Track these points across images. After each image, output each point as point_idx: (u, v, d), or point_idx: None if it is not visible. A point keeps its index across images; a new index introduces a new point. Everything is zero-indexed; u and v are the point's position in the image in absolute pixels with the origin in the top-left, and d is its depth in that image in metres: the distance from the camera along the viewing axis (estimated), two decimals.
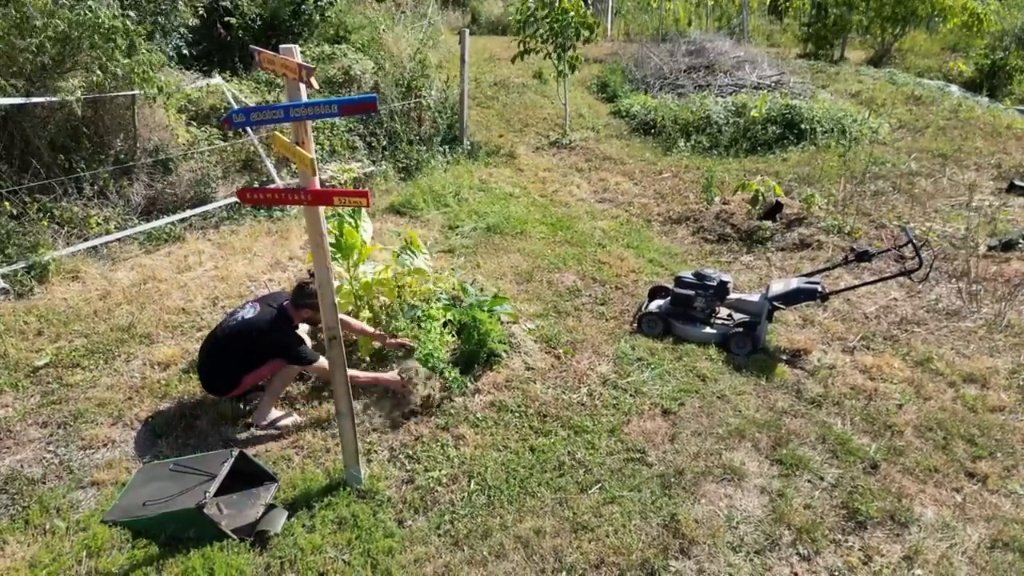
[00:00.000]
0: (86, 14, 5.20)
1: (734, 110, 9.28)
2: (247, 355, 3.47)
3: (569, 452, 3.43)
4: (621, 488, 3.19)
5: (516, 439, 3.52)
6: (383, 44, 8.84)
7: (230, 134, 6.91)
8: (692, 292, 4.49)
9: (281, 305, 3.63)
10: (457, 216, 6.58)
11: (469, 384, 3.90)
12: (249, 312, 3.54)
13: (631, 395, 3.90)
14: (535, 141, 9.33)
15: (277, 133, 2.84)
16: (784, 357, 4.37)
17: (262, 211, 6.46)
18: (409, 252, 4.27)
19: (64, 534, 2.89)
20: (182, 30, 7.02)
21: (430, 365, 3.78)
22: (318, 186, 2.54)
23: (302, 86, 2.36)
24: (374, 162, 7.68)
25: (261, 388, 3.69)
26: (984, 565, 2.82)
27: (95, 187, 5.83)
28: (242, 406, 3.72)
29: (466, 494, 3.15)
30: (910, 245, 4.38)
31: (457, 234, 6.20)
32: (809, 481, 3.27)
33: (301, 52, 8.75)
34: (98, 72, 5.39)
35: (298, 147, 2.47)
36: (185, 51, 7.24)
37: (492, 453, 3.41)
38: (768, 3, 18.05)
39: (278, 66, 2.41)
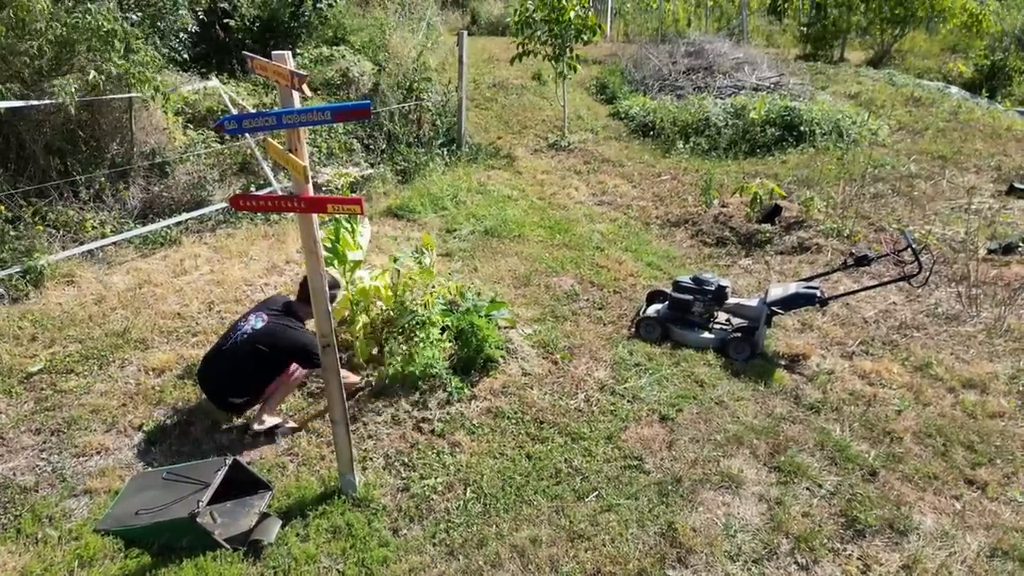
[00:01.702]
0: (85, 17, 5.17)
1: (733, 112, 9.26)
2: (267, 363, 3.45)
3: (566, 459, 3.40)
4: (618, 496, 3.16)
5: (513, 446, 3.50)
6: (388, 45, 8.81)
7: (226, 137, 6.89)
8: (690, 296, 4.47)
9: (287, 304, 3.62)
10: (455, 219, 6.56)
11: (466, 390, 3.88)
12: (257, 323, 3.48)
13: (628, 401, 3.88)
14: (534, 143, 9.31)
15: (270, 140, 2.82)
16: (783, 362, 4.35)
17: (258, 214, 6.43)
18: (422, 252, 4.30)
19: (56, 543, 2.86)
20: (181, 34, 7.00)
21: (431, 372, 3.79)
22: (311, 193, 2.51)
23: (295, 93, 2.33)
24: (372, 165, 7.65)
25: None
26: (984, 574, 2.79)
27: (91, 190, 5.80)
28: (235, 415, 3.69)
29: (462, 502, 3.13)
30: (909, 249, 4.36)
31: (455, 237, 6.18)
32: (808, 489, 3.24)
33: (299, 54, 8.67)
34: (94, 73, 5.36)
35: (291, 154, 2.45)
36: (184, 54, 7.22)
37: (488, 460, 3.39)
38: (767, 4, 18.03)
39: (271, 73, 2.39)
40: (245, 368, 3.41)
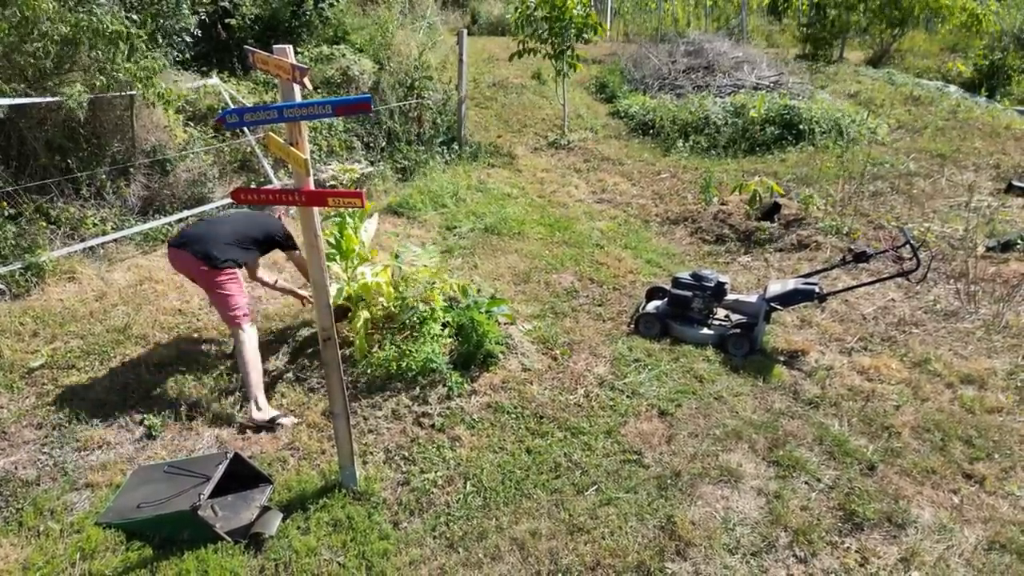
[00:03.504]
0: (89, 18, 5.18)
1: (733, 111, 9.27)
2: (256, 230, 3.86)
3: (565, 454, 3.42)
4: (617, 490, 3.18)
5: (512, 440, 3.51)
6: (391, 44, 8.82)
7: (227, 134, 6.90)
8: (690, 293, 4.48)
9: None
10: (455, 217, 6.58)
11: (466, 385, 3.89)
12: (246, 208, 4.09)
13: (628, 396, 3.89)
14: (533, 142, 9.32)
15: (271, 134, 2.83)
16: (782, 358, 4.36)
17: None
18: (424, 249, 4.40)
19: (58, 536, 2.88)
20: (184, 34, 7.00)
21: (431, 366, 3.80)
22: (312, 187, 2.53)
23: (296, 86, 2.35)
24: (372, 163, 7.67)
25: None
26: (981, 567, 2.81)
27: (92, 188, 5.82)
28: (238, 409, 3.71)
29: (462, 496, 3.14)
30: (908, 246, 4.37)
31: (455, 235, 6.19)
32: (806, 483, 3.26)
33: (299, 53, 8.68)
34: (100, 77, 5.37)
35: (292, 148, 2.46)
36: (185, 53, 7.23)
37: (488, 455, 3.40)
38: (767, 3, 18.04)
39: (272, 67, 2.40)
40: (243, 231, 3.79)
